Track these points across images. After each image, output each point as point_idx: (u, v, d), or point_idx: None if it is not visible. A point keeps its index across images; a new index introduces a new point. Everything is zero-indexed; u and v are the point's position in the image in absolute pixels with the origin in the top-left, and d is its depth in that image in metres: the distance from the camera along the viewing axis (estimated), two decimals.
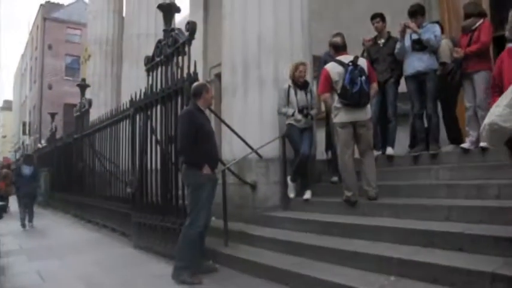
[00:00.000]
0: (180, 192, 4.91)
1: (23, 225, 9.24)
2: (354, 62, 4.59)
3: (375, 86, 4.82)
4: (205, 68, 11.62)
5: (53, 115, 15.83)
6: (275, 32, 5.81)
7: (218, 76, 10.60)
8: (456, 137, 5.21)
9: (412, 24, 5.30)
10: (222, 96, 6.21)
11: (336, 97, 4.66)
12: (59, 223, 9.76)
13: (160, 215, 5.27)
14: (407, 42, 5.33)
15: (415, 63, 5.24)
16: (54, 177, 13.37)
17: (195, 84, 4.50)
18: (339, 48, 4.92)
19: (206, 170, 4.22)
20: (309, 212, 5.10)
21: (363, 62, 4.71)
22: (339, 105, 4.63)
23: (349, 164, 4.64)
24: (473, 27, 4.96)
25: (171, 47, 5.23)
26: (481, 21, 4.94)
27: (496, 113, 2.80)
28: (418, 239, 3.56)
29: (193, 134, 4.19)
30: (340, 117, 4.67)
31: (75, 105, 11.21)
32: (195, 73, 5.02)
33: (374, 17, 5.89)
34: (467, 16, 5.10)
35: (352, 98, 4.54)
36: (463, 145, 4.79)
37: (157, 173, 5.46)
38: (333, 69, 4.71)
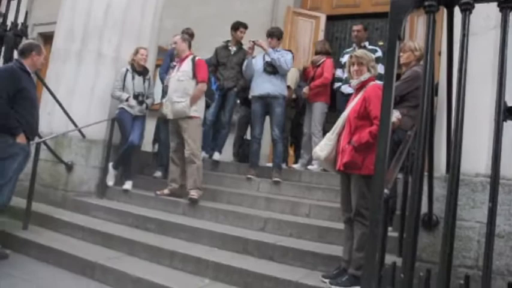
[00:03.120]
0: None
1: None
2: None
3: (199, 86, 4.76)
4: (28, 22, 10.15)
5: None
6: (126, 7, 5.45)
7: (43, 36, 9.44)
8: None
9: (264, 43, 5.27)
10: (50, 60, 5.48)
11: None
12: None
13: None
14: (260, 63, 5.30)
15: (266, 84, 5.20)
16: None
17: (27, 41, 3.96)
18: None
19: (21, 138, 3.69)
20: (126, 204, 4.89)
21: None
22: None
23: None
24: (318, 63, 5.52)
25: None
26: (324, 59, 5.51)
27: (320, 144, 3.31)
28: (234, 245, 3.73)
29: (10, 96, 3.62)
30: None
31: None
32: (24, 25, 4.36)
33: (240, 26, 5.90)
34: (316, 52, 5.69)
35: None
36: (294, 165, 5.23)
37: None
38: None
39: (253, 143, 5.35)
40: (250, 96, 5.72)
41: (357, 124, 3.04)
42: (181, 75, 4.79)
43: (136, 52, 5.25)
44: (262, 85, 5.23)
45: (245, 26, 5.96)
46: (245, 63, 5.39)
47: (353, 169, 3.03)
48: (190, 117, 4.67)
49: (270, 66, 5.19)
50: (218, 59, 5.83)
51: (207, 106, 5.25)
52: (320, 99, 5.42)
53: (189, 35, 6.05)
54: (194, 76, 4.74)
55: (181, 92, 4.71)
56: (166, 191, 4.77)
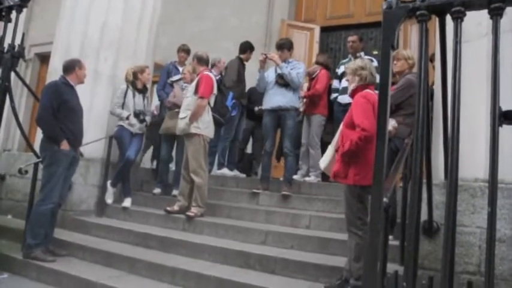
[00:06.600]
0: None
1: None
2: None
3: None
4: (25, 43, 10.23)
5: None
6: (122, 26, 5.49)
7: (39, 56, 9.50)
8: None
9: (276, 57, 5.10)
10: (47, 80, 5.49)
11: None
12: None
13: None
14: (272, 76, 5.14)
15: (277, 97, 5.05)
16: None
17: (69, 59, 4.41)
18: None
19: (64, 145, 4.02)
20: (126, 221, 4.86)
21: None
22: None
23: None
24: (314, 75, 5.46)
25: None
26: (318, 70, 5.43)
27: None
28: (236, 260, 3.70)
29: (54, 108, 4.02)
30: None
31: None
32: (22, 47, 4.34)
33: (253, 49, 6.08)
34: (316, 63, 5.62)
35: None
36: (294, 176, 5.18)
37: None
38: None
39: (264, 157, 5.24)
40: (256, 109, 5.76)
41: (346, 133, 3.06)
42: (188, 92, 4.85)
43: (143, 71, 5.27)
44: (274, 98, 5.08)
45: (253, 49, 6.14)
46: (258, 76, 5.22)
47: (340, 178, 3.07)
48: (192, 135, 4.62)
49: (281, 79, 5.04)
50: (239, 75, 5.84)
51: (219, 124, 5.07)
52: (317, 111, 5.36)
53: (185, 51, 6.12)
54: (196, 92, 4.70)
55: (184, 108, 4.71)
56: (176, 208, 4.68)
